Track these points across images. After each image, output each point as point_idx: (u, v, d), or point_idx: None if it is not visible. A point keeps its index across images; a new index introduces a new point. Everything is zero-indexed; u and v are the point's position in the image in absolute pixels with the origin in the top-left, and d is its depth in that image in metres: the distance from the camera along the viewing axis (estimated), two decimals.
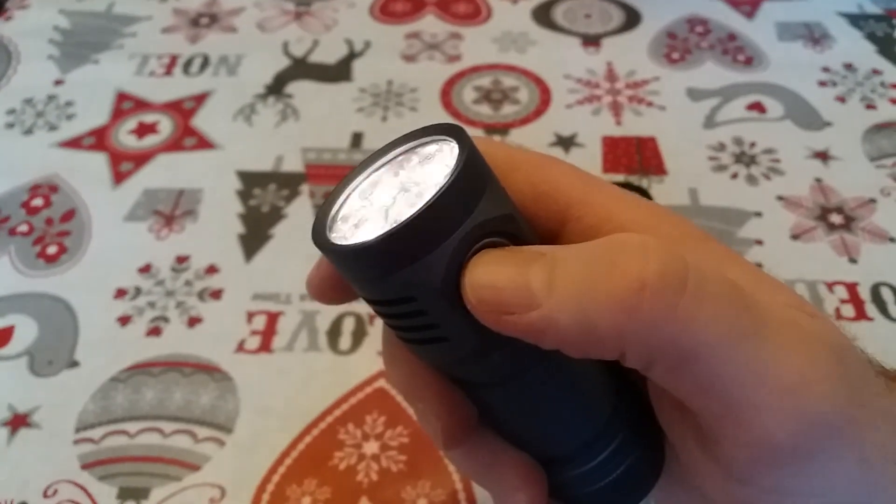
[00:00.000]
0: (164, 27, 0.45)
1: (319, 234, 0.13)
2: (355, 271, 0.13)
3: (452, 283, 0.12)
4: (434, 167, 0.13)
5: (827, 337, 0.13)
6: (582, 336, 0.12)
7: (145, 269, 0.32)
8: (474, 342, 0.13)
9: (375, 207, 0.13)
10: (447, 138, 0.13)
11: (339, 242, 0.13)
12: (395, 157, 0.14)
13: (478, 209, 0.12)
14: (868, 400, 0.13)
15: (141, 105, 0.40)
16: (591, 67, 0.42)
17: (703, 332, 0.11)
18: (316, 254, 0.15)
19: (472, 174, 0.12)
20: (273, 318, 0.30)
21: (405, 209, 0.12)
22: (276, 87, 0.40)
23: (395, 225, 0.12)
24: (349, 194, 0.14)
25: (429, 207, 0.12)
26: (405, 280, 0.12)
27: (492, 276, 0.12)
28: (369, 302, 0.14)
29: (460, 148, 0.13)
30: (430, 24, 0.45)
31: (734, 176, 0.35)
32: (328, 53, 0.43)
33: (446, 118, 0.39)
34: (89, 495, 0.25)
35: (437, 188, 0.12)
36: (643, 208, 0.15)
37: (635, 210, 0.15)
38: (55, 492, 0.25)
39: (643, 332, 0.11)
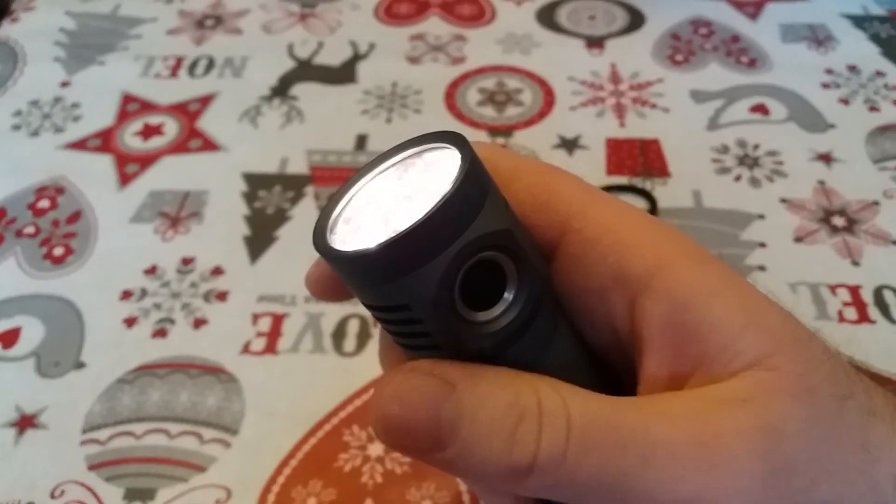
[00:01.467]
0: (170, 29, 0.45)
1: (319, 238, 0.13)
2: (352, 277, 0.13)
3: (446, 296, 0.13)
4: (437, 175, 0.13)
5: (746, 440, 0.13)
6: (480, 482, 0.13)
7: (151, 271, 0.32)
8: (466, 352, 0.13)
9: (377, 213, 0.13)
10: (450, 146, 0.13)
11: (338, 247, 0.13)
12: (399, 161, 0.14)
13: (476, 222, 0.12)
14: None
15: (146, 107, 0.40)
16: (595, 69, 0.42)
17: (584, 488, 0.13)
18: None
19: (471, 187, 0.12)
20: (278, 320, 0.30)
21: (405, 218, 0.12)
22: (281, 89, 0.41)
23: (393, 234, 0.12)
24: (352, 197, 0.14)
25: (427, 219, 0.12)
26: (400, 289, 0.12)
27: (409, 418, 0.13)
28: (366, 306, 0.14)
29: (462, 159, 0.13)
30: (435, 25, 0.45)
31: (738, 178, 0.35)
32: (333, 55, 0.43)
33: (450, 120, 0.39)
34: (96, 496, 0.25)
35: (437, 199, 0.12)
36: (643, 224, 0.15)
37: (634, 226, 0.15)
38: (62, 492, 0.25)
39: (532, 492, 0.13)
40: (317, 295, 0.15)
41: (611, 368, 0.16)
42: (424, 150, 0.14)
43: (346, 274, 0.13)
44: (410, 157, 0.14)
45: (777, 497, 0.13)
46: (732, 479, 0.12)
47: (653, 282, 0.14)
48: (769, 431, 0.13)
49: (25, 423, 0.27)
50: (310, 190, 0.35)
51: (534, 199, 0.15)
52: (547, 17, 0.46)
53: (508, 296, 0.14)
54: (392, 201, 0.13)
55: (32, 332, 0.30)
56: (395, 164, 0.14)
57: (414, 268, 0.12)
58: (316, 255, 0.13)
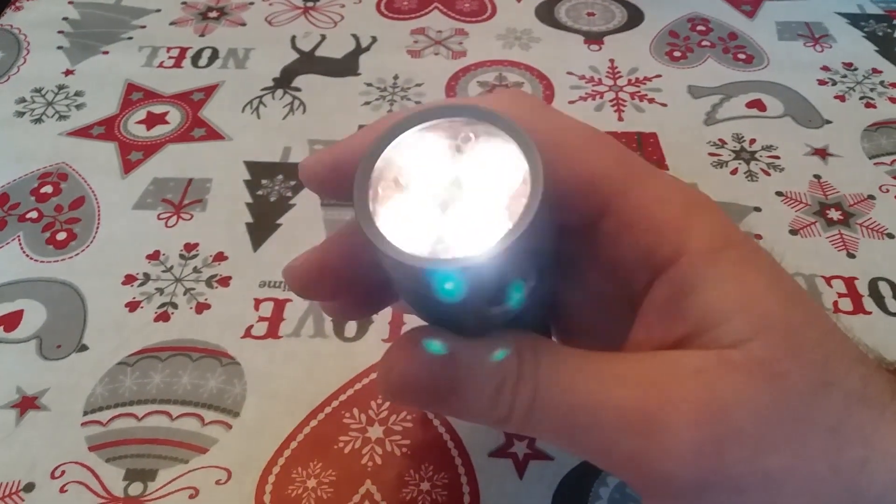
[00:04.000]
0: (173, 20, 0.46)
1: (368, 224, 0.13)
2: (398, 272, 0.13)
3: (481, 303, 0.13)
4: (496, 169, 0.13)
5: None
6: (468, 422, 0.16)
7: (154, 256, 0.32)
8: (469, 328, 0.15)
9: (428, 193, 0.13)
10: (511, 141, 0.13)
11: (382, 228, 0.13)
12: (450, 122, 0.14)
13: (532, 251, 0.13)
14: None
15: (150, 96, 0.40)
16: (594, 65, 0.42)
17: (547, 436, 0.15)
18: (319, 240, 0.16)
19: (538, 223, 0.13)
20: (280, 305, 0.30)
21: (461, 217, 0.13)
22: (284, 81, 0.41)
23: (458, 265, 0.12)
24: (395, 146, 0.14)
25: (495, 257, 0.12)
26: (445, 293, 0.13)
27: (415, 380, 0.15)
28: (393, 279, 0.14)
29: (532, 188, 0.12)
30: (436, 20, 0.46)
31: (734, 172, 0.36)
32: (335, 48, 0.43)
33: None
34: (97, 476, 0.25)
35: (507, 234, 0.12)
36: (677, 209, 0.15)
37: (669, 211, 0.15)
38: (63, 473, 0.25)
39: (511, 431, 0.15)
40: (309, 184, 0.17)
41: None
42: (477, 124, 0.13)
43: (390, 267, 0.13)
44: (460, 124, 0.14)
45: (711, 463, 0.13)
46: (667, 443, 0.13)
47: (670, 267, 0.15)
48: (713, 402, 0.13)
49: (27, 404, 0.27)
50: None
51: (576, 178, 0.15)
52: (546, 13, 0.46)
53: (523, 294, 0.14)
54: (446, 184, 0.13)
55: (35, 315, 0.30)
56: (444, 124, 0.14)
57: (467, 287, 0.13)
58: (318, 243, 0.13)
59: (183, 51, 0.43)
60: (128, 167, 0.36)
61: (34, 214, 0.34)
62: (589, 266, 0.16)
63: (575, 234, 0.16)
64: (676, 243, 0.15)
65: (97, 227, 0.33)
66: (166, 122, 0.39)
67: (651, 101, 0.40)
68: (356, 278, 0.17)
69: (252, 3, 0.47)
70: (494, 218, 0.13)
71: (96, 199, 0.35)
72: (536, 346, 0.15)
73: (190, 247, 0.33)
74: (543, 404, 0.14)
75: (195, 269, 0.32)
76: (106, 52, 0.43)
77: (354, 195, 0.13)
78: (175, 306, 0.30)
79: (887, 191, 0.35)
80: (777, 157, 0.37)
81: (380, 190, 0.13)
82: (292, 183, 0.35)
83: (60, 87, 0.41)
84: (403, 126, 0.14)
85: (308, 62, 0.42)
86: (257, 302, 0.30)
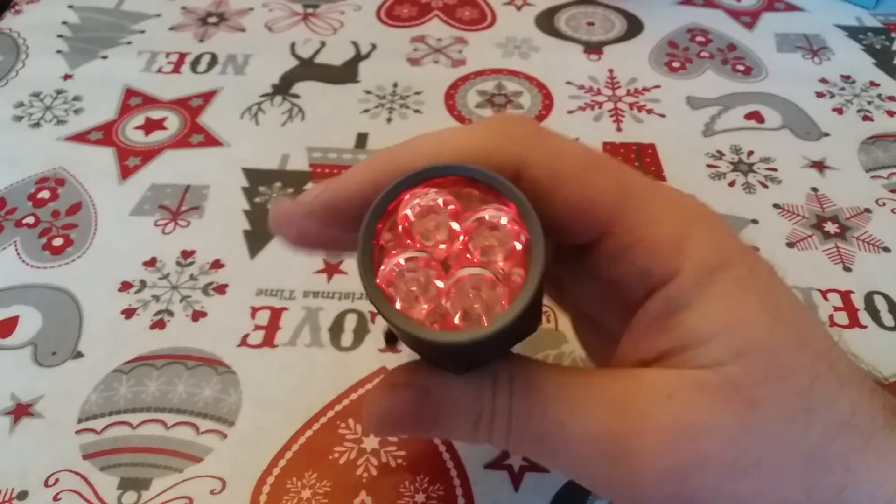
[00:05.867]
0: (173, 25, 0.46)
1: (377, 297, 0.14)
2: (402, 335, 0.14)
3: (484, 363, 0.14)
4: (495, 230, 0.14)
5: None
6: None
7: (150, 263, 0.32)
8: (462, 369, 0.15)
9: (430, 256, 0.14)
10: (512, 212, 0.14)
11: (402, 314, 0.13)
12: (450, 181, 0.14)
13: (527, 319, 0.14)
14: None
15: (149, 101, 0.40)
16: (593, 74, 0.42)
17: (528, 455, 0.17)
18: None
19: (533, 299, 0.13)
20: (276, 314, 0.30)
21: (462, 280, 0.14)
22: (283, 87, 0.41)
23: (462, 336, 0.13)
24: (402, 209, 0.14)
25: (493, 332, 0.13)
26: (442, 357, 0.14)
27: (394, 420, 0.16)
28: (391, 325, 0.15)
29: (532, 265, 0.13)
30: (436, 28, 0.46)
31: (732, 183, 0.36)
32: (335, 55, 0.43)
33: (451, 121, 0.39)
34: (90, 485, 0.25)
35: (509, 309, 0.13)
36: (675, 229, 0.15)
37: (666, 232, 0.15)
38: (56, 481, 0.25)
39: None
40: (312, 226, 0.16)
41: None
42: (477, 185, 0.14)
43: (397, 328, 0.14)
44: (461, 183, 0.14)
45: (675, 491, 0.14)
46: (632, 470, 0.14)
47: (664, 286, 0.15)
48: (681, 429, 0.14)
49: (21, 411, 0.27)
50: (310, 186, 0.36)
51: (573, 207, 0.15)
52: (546, 23, 0.46)
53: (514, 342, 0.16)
54: (447, 242, 0.14)
55: (30, 321, 0.30)
56: (443, 183, 0.14)
57: (469, 353, 0.14)
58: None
59: (182, 56, 0.43)
60: (125, 173, 0.36)
61: (31, 220, 0.34)
62: (587, 283, 0.17)
63: (573, 253, 0.16)
64: (673, 262, 0.15)
65: (94, 233, 0.33)
66: (164, 128, 0.39)
67: (650, 111, 0.40)
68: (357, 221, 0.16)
69: (252, 9, 0.47)
70: (494, 282, 0.13)
71: (93, 204, 0.35)
72: (512, 374, 0.15)
73: (187, 254, 0.32)
74: (519, 433, 0.15)
75: (192, 277, 0.32)
76: (105, 57, 0.43)
77: (359, 267, 0.14)
78: (171, 314, 0.30)
79: (884, 204, 0.35)
80: (775, 170, 0.37)
81: (382, 254, 0.14)
82: (290, 190, 0.35)
83: (59, 92, 0.41)
84: (402, 185, 0.14)
85: (307, 69, 0.42)
86: (254, 310, 0.30)
